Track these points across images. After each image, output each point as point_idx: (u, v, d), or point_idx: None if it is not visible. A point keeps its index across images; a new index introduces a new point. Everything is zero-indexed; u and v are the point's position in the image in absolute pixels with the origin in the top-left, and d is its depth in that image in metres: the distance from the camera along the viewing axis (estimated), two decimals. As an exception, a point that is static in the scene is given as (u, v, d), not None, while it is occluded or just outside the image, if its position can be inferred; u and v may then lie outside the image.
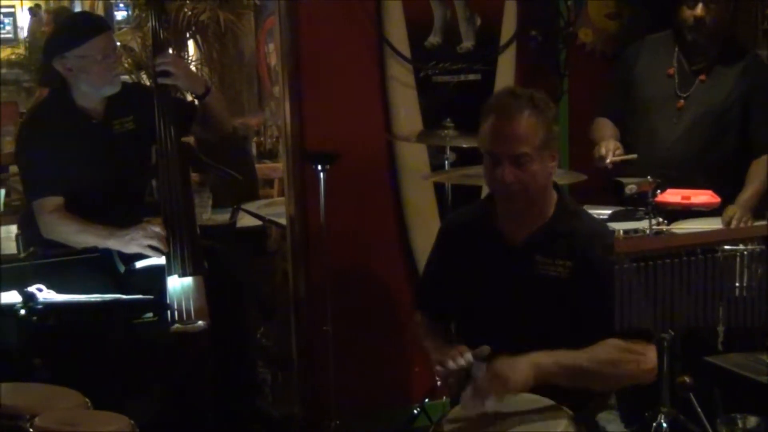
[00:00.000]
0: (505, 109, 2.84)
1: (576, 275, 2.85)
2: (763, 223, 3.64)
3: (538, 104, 2.85)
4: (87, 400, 2.84)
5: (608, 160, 4.06)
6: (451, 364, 2.71)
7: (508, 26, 4.81)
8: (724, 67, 4.24)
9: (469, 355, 2.69)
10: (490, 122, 2.84)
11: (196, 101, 3.92)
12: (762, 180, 4.16)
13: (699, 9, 4.11)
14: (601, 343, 2.74)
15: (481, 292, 2.97)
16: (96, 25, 3.81)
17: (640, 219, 3.92)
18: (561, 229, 2.92)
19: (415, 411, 4.43)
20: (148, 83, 7.21)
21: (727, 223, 3.91)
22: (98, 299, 3.33)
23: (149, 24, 3.88)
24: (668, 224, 3.88)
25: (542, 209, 2.94)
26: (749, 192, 4.12)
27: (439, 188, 4.53)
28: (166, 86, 3.73)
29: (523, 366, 2.64)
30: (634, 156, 4.04)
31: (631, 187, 3.91)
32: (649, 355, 2.81)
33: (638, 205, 3.97)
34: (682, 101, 4.24)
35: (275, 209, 5.19)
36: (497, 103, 2.90)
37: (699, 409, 3.51)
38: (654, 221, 3.81)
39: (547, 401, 2.70)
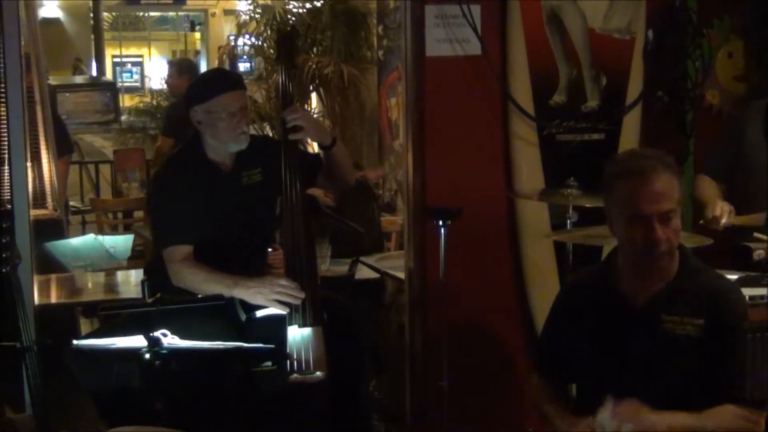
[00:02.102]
0: (645, 170, 2.84)
1: (707, 333, 2.84)
2: None
3: (670, 162, 2.90)
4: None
5: (723, 222, 4.01)
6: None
7: (635, 86, 4.78)
8: None
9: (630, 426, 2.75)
10: (633, 184, 2.84)
11: (322, 153, 3.98)
12: None
13: None
14: (720, 410, 2.76)
15: (604, 356, 2.95)
16: (226, 82, 3.88)
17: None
18: (686, 286, 2.91)
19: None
20: (272, 134, 7.37)
21: None
22: (220, 346, 3.36)
23: (280, 78, 3.93)
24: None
25: (667, 269, 2.93)
26: None
27: (559, 248, 4.48)
28: (295, 141, 3.79)
29: (652, 417, 2.74)
30: (762, 216, 3.96)
31: (759, 252, 3.85)
32: (761, 423, 2.76)
33: (767, 270, 3.89)
34: None
35: (392, 262, 5.21)
36: (634, 165, 2.90)
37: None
38: (783, 288, 3.73)
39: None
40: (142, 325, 3.27)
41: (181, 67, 8.61)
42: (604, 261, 3.17)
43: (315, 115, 7.96)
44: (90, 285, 5.49)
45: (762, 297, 3.74)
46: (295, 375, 3.59)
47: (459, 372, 4.36)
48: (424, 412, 4.53)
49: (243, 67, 11.20)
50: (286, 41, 3.89)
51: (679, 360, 2.86)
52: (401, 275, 4.77)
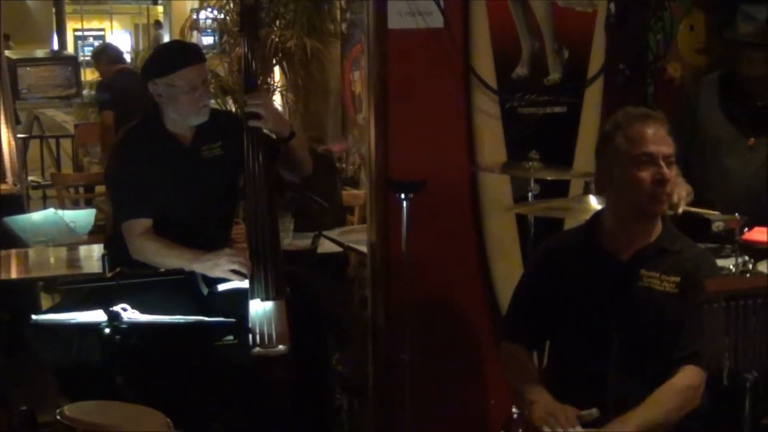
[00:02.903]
0: (650, 115, 3.03)
1: (683, 292, 2.94)
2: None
3: (666, 120, 3.07)
4: (168, 420, 2.86)
5: (681, 210, 4.05)
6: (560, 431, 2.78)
7: (596, 59, 4.79)
8: None
9: (579, 428, 2.79)
10: (639, 126, 2.96)
11: (281, 145, 3.95)
12: None
13: (752, 66, 4.19)
14: (671, 389, 2.89)
15: (582, 309, 3.03)
16: (187, 56, 3.85)
17: (726, 257, 3.86)
18: (669, 247, 3.03)
19: (493, 437, 4.40)
20: (234, 109, 7.32)
21: None
22: (181, 320, 3.36)
23: (243, 51, 3.89)
24: (755, 263, 3.82)
25: (651, 229, 3.04)
26: None
27: (521, 220, 4.49)
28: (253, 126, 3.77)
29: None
30: (715, 213, 3.99)
31: (718, 224, 3.86)
32: (701, 388, 2.92)
33: (725, 242, 3.92)
34: (752, 139, 4.22)
35: (355, 236, 5.21)
36: (638, 112, 3.05)
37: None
38: (740, 260, 3.76)
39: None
40: (102, 300, 3.26)
41: (102, 50, 9.64)
42: (586, 222, 3.24)
43: (278, 89, 7.93)
44: (52, 260, 5.44)
45: (722, 269, 3.79)
46: (257, 349, 3.59)
47: (421, 345, 4.38)
48: (386, 384, 4.53)
49: (206, 40, 11.08)
50: (248, 12, 3.85)
51: (655, 313, 2.96)
52: (364, 249, 4.75)
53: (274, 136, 3.88)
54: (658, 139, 2.94)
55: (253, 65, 3.81)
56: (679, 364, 2.90)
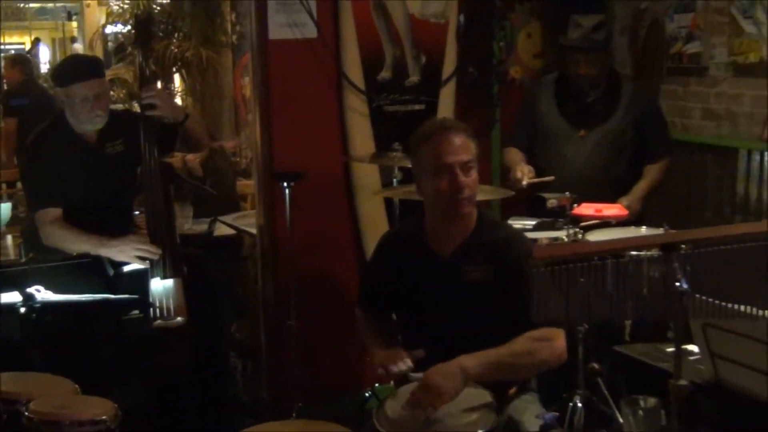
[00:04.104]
0: (445, 129, 2.87)
1: (498, 276, 2.85)
2: (660, 231, 3.72)
3: (464, 127, 2.94)
4: (77, 386, 2.81)
5: (525, 183, 4.13)
6: (393, 368, 2.74)
7: (449, 63, 4.85)
8: (613, 97, 4.35)
9: (408, 361, 2.74)
10: (436, 141, 2.83)
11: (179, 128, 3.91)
12: (653, 178, 4.35)
13: (580, 67, 4.28)
14: (522, 338, 2.76)
15: (416, 300, 2.96)
16: (80, 72, 3.75)
17: (559, 229, 3.95)
18: (483, 239, 2.91)
19: (367, 394, 4.40)
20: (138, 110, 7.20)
21: (626, 206, 4.11)
22: (90, 299, 3.32)
23: (137, 59, 3.83)
24: (584, 233, 3.91)
25: (466, 225, 2.92)
26: (642, 185, 4.31)
27: (388, 202, 4.55)
28: (152, 115, 3.71)
29: (453, 373, 2.61)
30: (551, 178, 4.09)
31: (552, 201, 3.96)
32: (559, 341, 2.81)
33: (558, 216, 4.01)
34: (583, 131, 4.33)
35: (247, 221, 5.18)
36: (434, 127, 2.92)
37: (606, 392, 3.54)
38: (571, 231, 3.85)
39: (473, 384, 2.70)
40: (18, 283, 3.20)
41: (14, 60, 9.26)
42: (414, 219, 3.11)
43: (178, 94, 7.83)
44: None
45: (556, 239, 3.87)
46: (158, 321, 3.54)
47: (305, 312, 4.40)
48: (276, 348, 4.54)
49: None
50: (141, 26, 3.80)
51: (480, 302, 2.86)
52: (254, 231, 4.74)
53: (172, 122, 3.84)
54: (454, 149, 2.80)
55: (147, 71, 3.75)
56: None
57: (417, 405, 2.54)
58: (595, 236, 3.89)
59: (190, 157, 5.50)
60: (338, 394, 4.23)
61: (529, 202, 4.25)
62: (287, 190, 4.24)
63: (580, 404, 3.83)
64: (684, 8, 4.91)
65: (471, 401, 2.61)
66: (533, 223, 4.05)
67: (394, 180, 4.22)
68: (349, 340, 4.53)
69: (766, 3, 4.41)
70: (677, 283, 2.02)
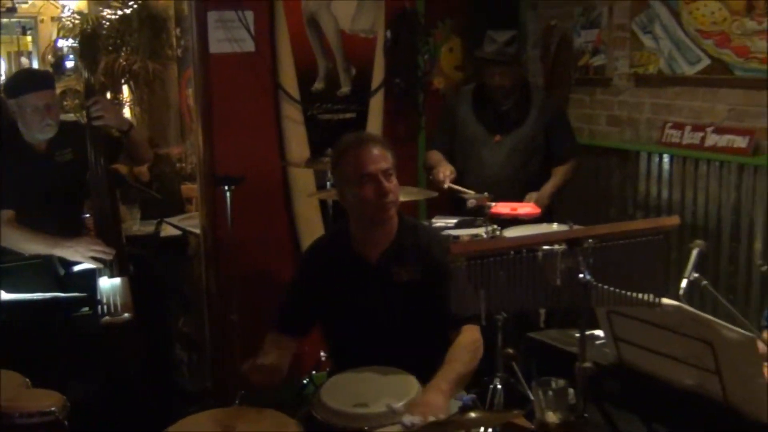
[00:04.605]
0: (363, 141, 2.83)
1: (424, 275, 2.83)
2: (565, 228, 3.78)
3: (381, 138, 2.95)
4: (27, 380, 2.73)
5: (446, 185, 4.15)
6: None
7: (378, 75, 4.86)
8: (525, 105, 4.41)
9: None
10: (357, 153, 2.79)
11: (123, 137, 3.84)
12: (559, 178, 4.41)
13: (495, 78, 4.34)
14: (458, 347, 2.75)
15: (346, 306, 2.88)
16: (31, 83, 3.68)
17: (479, 226, 3.98)
18: (406, 241, 2.88)
19: (305, 381, 4.41)
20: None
21: (534, 201, 4.20)
22: (41, 297, 3.24)
23: (83, 73, 3.75)
24: (501, 230, 3.94)
25: (390, 229, 2.88)
26: (549, 184, 4.36)
27: (322, 203, 4.55)
28: (98, 126, 3.64)
29: (438, 398, 2.53)
30: (469, 192, 4.09)
31: (471, 201, 3.99)
32: (480, 339, 2.83)
33: (477, 215, 4.04)
34: (498, 136, 4.37)
35: (193, 222, 5.10)
36: (353, 140, 2.86)
37: (520, 374, 3.57)
38: (489, 228, 3.88)
39: (401, 372, 2.68)
40: (-27, 283, 3.11)
41: None
42: (339, 228, 3.02)
43: (127, 104, 7.69)
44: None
45: (476, 236, 3.90)
46: (106, 318, 3.49)
47: (246, 307, 4.35)
48: (220, 340, 4.49)
49: (69, 64, 10.66)
50: (86, 42, 3.73)
51: (409, 301, 2.83)
52: (199, 231, 4.68)
53: (117, 132, 3.77)
54: (375, 158, 2.76)
55: (93, 84, 3.68)
56: (457, 326, 2.78)
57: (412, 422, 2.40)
58: (511, 233, 3.93)
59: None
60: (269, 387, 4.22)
61: (451, 201, 4.28)
62: (228, 193, 4.20)
63: (499, 386, 3.87)
64: (590, 24, 4.97)
65: (401, 389, 2.61)
66: (455, 221, 4.07)
67: (328, 183, 4.21)
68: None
69: (662, 19, 4.49)
70: (581, 275, 2.04)
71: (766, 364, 2.36)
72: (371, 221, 2.84)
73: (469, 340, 2.77)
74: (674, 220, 2.18)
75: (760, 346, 2.35)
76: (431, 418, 2.31)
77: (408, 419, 2.34)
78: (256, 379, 2.63)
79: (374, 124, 4.82)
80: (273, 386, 2.69)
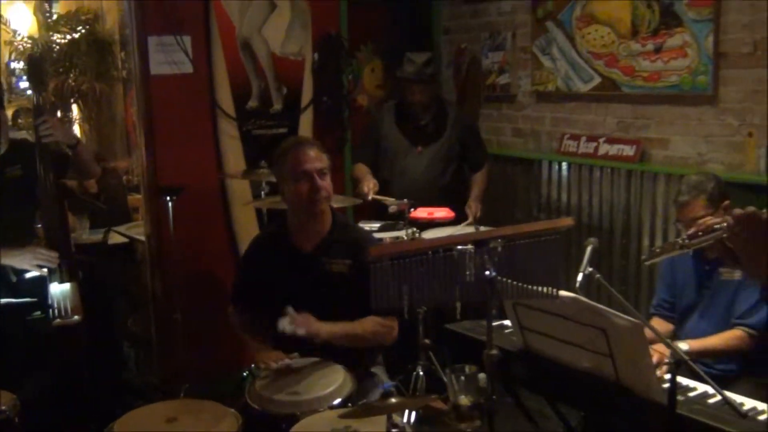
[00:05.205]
0: (302, 143, 2.93)
1: (354, 270, 2.87)
2: (471, 230, 3.82)
3: (316, 142, 3.00)
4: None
5: (370, 197, 4.16)
6: (273, 365, 2.72)
7: (307, 94, 4.84)
8: (442, 120, 4.45)
9: (286, 360, 2.72)
10: (296, 152, 2.86)
11: (70, 152, 3.73)
12: (481, 184, 4.50)
13: (414, 95, 4.37)
14: (367, 318, 2.82)
15: (283, 292, 2.91)
16: None
17: (400, 229, 3.99)
18: (339, 237, 2.93)
19: (244, 374, 4.34)
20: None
21: (474, 213, 4.23)
22: (-4, 303, 3.15)
23: (33, 95, 3.64)
24: (421, 232, 3.96)
25: (324, 223, 2.94)
26: (475, 192, 4.44)
27: (258, 211, 4.52)
28: (47, 143, 3.54)
29: (320, 324, 2.73)
30: (392, 200, 4.11)
31: (393, 207, 3.99)
32: (396, 329, 2.89)
33: (398, 219, 4.05)
34: (419, 148, 4.40)
35: (139, 230, 5.02)
36: (292, 143, 2.95)
37: (436, 362, 3.58)
38: (410, 231, 3.89)
39: (330, 363, 2.71)
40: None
41: None
42: (278, 222, 3.12)
43: (76, 121, 7.51)
44: None
45: (398, 238, 3.90)
46: (57, 320, 3.38)
47: (189, 307, 4.30)
48: (165, 338, 4.42)
49: (23, 85, 10.37)
50: (34, 64, 3.61)
51: (339, 290, 2.87)
52: (144, 238, 4.60)
53: (65, 148, 3.67)
54: (311, 158, 2.85)
55: (40, 102, 3.56)
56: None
57: (296, 322, 2.62)
58: (429, 234, 3.95)
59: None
60: (220, 375, 4.15)
61: (375, 207, 4.28)
62: (170, 203, 4.14)
63: (422, 373, 3.88)
64: (496, 47, 5.03)
65: (330, 376, 2.61)
66: (378, 224, 4.08)
67: (262, 192, 4.18)
68: (228, 328, 4.48)
69: (559, 43, 4.57)
70: (486, 272, 2.05)
71: (652, 347, 2.42)
72: (306, 214, 2.89)
73: (381, 320, 2.85)
74: (568, 221, 2.21)
75: (647, 331, 2.40)
76: (301, 331, 2.61)
77: (285, 323, 2.59)
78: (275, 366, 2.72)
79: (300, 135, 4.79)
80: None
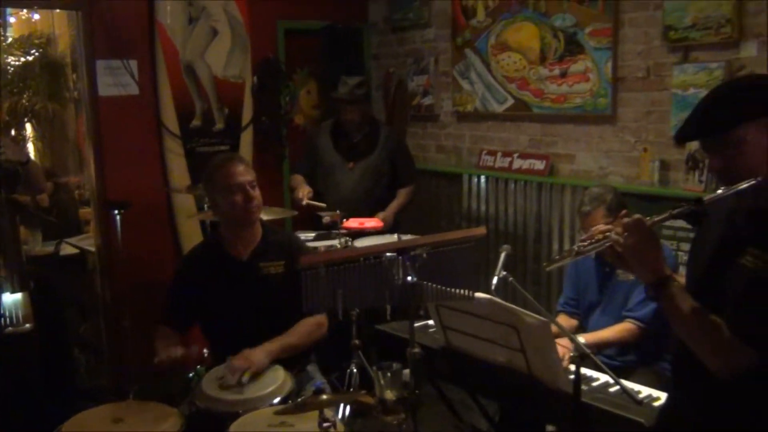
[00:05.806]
0: (231, 159, 2.87)
1: (287, 268, 2.84)
2: (394, 239, 3.84)
3: (243, 157, 2.98)
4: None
5: (304, 202, 4.14)
6: (163, 354, 2.67)
7: (247, 114, 4.79)
8: (373, 137, 4.44)
9: (179, 349, 2.64)
10: (227, 166, 2.81)
11: (21, 169, 3.62)
12: (402, 199, 4.45)
13: (348, 114, 4.36)
14: (300, 324, 2.78)
15: (221, 302, 2.84)
16: None
17: (334, 238, 3.97)
18: (271, 241, 2.89)
19: (190, 375, 4.25)
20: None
21: (383, 220, 4.20)
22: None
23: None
24: (353, 241, 3.95)
25: (256, 231, 2.90)
26: (393, 205, 4.39)
27: (202, 223, 4.41)
28: None
29: (259, 353, 2.60)
30: (324, 205, 4.10)
31: (326, 218, 3.98)
32: (325, 322, 2.86)
33: (332, 229, 4.03)
34: (351, 163, 4.39)
35: (90, 241, 4.90)
36: (223, 159, 2.89)
37: (365, 361, 3.57)
38: (342, 240, 3.88)
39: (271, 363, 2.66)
40: None
41: None
42: (211, 235, 3.06)
43: (30, 140, 7.30)
44: None
45: (332, 246, 3.88)
46: (9, 328, 3.27)
47: (137, 314, 4.18)
48: (115, 343, 4.32)
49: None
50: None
51: (276, 293, 2.82)
52: (94, 250, 4.49)
53: (17, 165, 3.56)
54: (241, 172, 2.80)
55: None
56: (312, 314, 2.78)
57: (233, 370, 2.52)
58: (361, 243, 3.95)
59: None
60: (167, 378, 4.08)
61: (310, 219, 4.26)
62: (119, 216, 4.05)
63: (355, 370, 3.85)
64: (420, 71, 5.07)
65: (270, 377, 2.58)
66: (314, 234, 4.06)
67: (205, 206, 4.10)
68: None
69: (476, 68, 4.63)
70: (408, 277, 2.06)
71: (557, 341, 2.46)
72: (240, 223, 2.85)
73: (313, 321, 2.81)
74: (481, 231, 2.23)
75: (553, 328, 2.44)
76: (245, 373, 2.49)
77: (228, 376, 2.49)
78: (171, 367, 2.64)
79: (245, 155, 4.71)
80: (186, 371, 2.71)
